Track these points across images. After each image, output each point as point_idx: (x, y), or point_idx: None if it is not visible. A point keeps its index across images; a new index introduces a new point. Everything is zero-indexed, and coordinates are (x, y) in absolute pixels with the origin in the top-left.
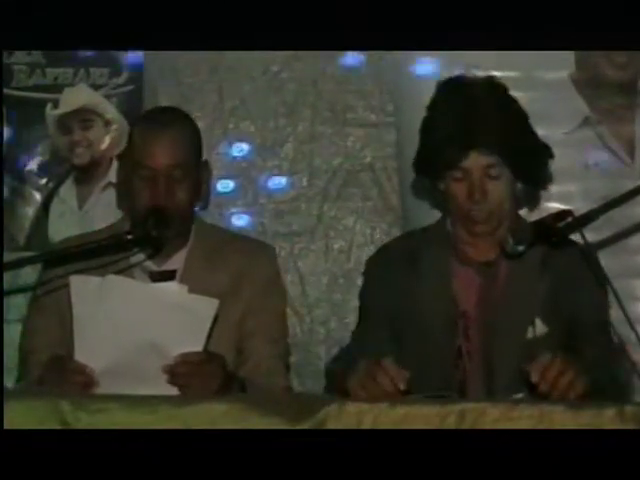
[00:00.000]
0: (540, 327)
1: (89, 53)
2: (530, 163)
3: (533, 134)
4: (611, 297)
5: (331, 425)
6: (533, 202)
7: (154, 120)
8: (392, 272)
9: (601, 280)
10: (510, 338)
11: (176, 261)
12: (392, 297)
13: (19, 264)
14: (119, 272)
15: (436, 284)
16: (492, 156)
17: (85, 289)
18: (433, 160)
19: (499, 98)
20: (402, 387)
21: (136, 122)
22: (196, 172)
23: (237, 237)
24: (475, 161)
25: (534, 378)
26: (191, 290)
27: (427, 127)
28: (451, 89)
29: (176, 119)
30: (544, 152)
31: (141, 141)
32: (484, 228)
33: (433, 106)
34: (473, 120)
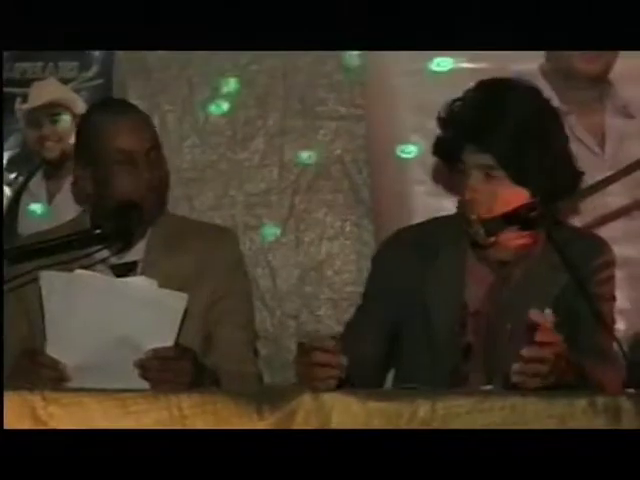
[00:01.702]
0: (549, 316)
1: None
2: (537, 173)
3: (559, 156)
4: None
5: (301, 416)
6: None
7: (111, 109)
8: (401, 265)
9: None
10: (516, 338)
11: (136, 252)
12: (397, 290)
13: None
14: (81, 267)
15: (448, 282)
16: (490, 158)
17: (55, 284)
18: (441, 146)
19: (531, 110)
20: (344, 362)
21: (87, 116)
22: (158, 158)
23: (196, 224)
24: (472, 157)
25: (523, 352)
26: (154, 280)
27: (446, 114)
28: (491, 88)
29: (132, 106)
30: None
31: (109, 129)
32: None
33: (462, 99)
34: (489, 119)
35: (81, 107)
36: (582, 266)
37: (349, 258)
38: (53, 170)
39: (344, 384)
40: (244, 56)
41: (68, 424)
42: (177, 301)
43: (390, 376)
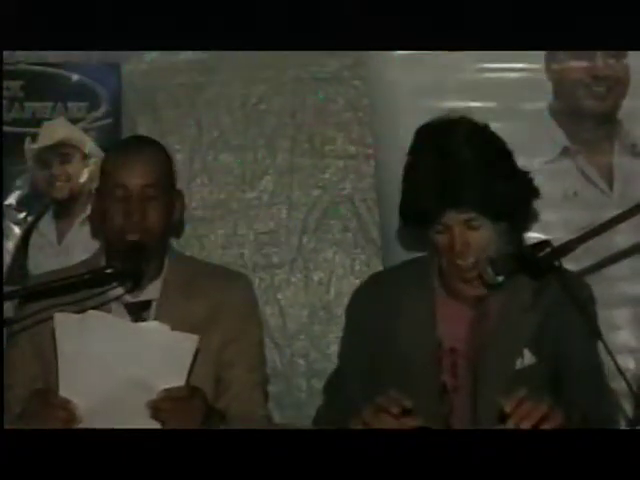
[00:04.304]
0: (528, 358)
1: (67, 87)
2: (512, 207)
3: (515, 175)
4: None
5: None
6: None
7: (126, 145)
8: (372, 317)
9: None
10: (499, 372)
11: (151, 291)
12: (376, 333)
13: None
14: (96, 305)
15: (418, 321)
16: (471, 211)
17: (68, 326)
18: (413, 214)
19: (478, 145)
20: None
21: (108, 150)
22: (169, 197)
23: (212, 267)
24: (454, 217)
25: (507, 408)
26: (168, 320)
27: (407, 177)
28: (427, 138)
29: (148, 144)
30: (527, 193)
31: (114, 164)
32: (471, 274)
33: (412, 154)
34: (449, 175)
35: (90, 147)
36: (563, 303)
37: None
38: (63, 210)
39: None
40: (253, 95)
41: None
42: (188, 342)
43: None
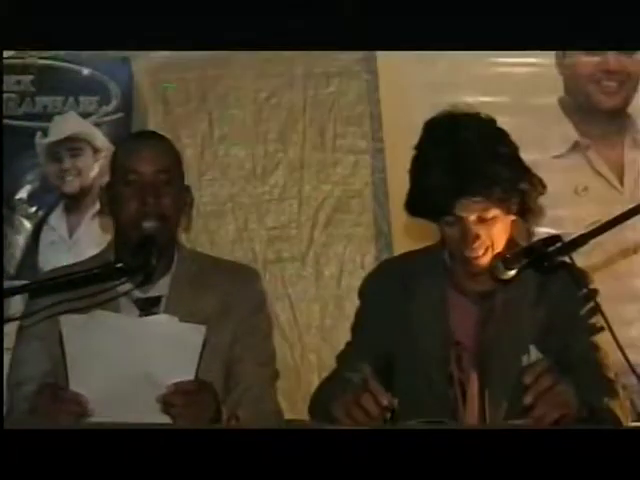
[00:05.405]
0: (534, 354)
1: (78, 81)
2: (521, 198)
3: (523, 169)
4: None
5: None
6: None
7: (136, 137)
8: (387, 298)
9: (594, 309)
10: (505, 368)
11: (161, 287)
12: (386, 323)
13: (10, 293)
14: (106, 301)
15: (432, 313)
16: (483, 201)
17: (75, 327)
18: (424, 206)
19: (487, 137)
20: (386, 404)
21: (118, 144)
22: (180, 189)
23: (221, 262)
24: (466, 208)
25: (527, 380)
26: (177, 316)
27: (416, 170)
28: (437, 130)
29: (157, 136)
30: (535, 187)
31: (125, 154)
32: (480, 268)
33: (420, 147)
34: (460, 167)
35: (101, 141)
36: (568, 298)
37: None
38: (73, 204)
39: None
40: (264, 90)
41: None
42: (196, 334)
43: None
